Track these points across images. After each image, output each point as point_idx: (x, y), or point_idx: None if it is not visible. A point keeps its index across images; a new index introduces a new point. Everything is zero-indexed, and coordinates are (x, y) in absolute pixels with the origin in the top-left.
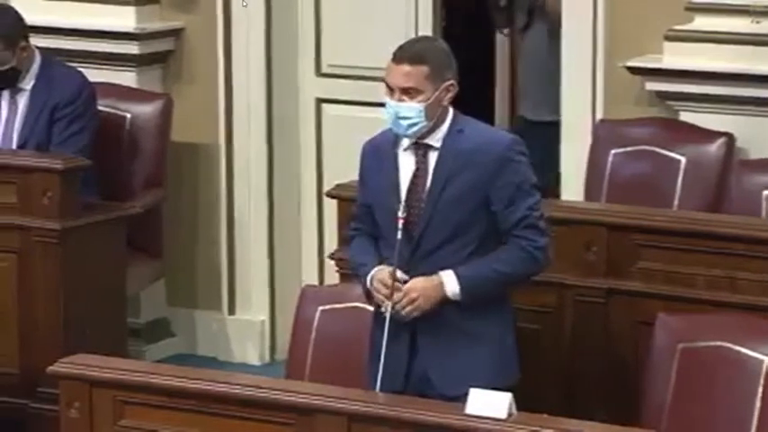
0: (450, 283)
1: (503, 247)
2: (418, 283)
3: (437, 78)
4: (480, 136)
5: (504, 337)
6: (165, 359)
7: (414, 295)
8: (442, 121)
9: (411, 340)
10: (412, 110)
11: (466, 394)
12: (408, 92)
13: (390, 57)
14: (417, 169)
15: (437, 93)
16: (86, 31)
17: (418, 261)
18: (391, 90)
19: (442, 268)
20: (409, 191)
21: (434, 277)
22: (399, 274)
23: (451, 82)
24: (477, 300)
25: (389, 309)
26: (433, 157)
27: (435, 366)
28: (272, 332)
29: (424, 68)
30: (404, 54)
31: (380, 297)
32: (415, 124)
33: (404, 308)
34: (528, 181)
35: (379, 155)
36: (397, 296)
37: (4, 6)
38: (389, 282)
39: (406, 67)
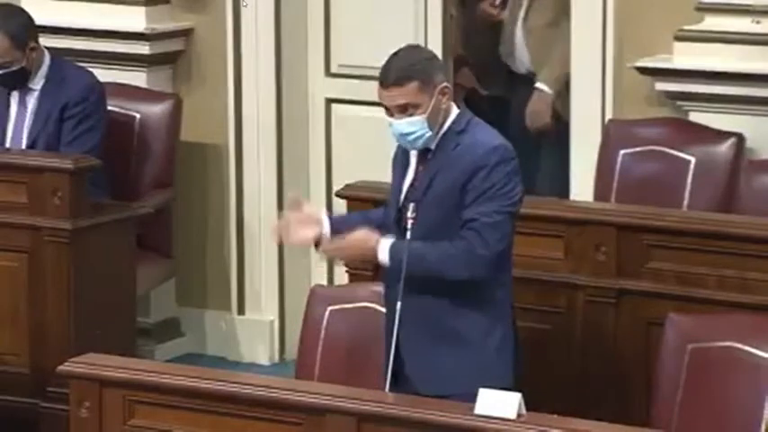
0: (383, 250)
1: (450, 241)
2: (356, 236)
3: (429, 87)
4: (472, 139)
5: (486, 340)
6: (174, 359)
7: (344, 244)
8: (444, 122)
9: (397, 338)
10: (414, 124)
11: (443, 396)
12: (405, 108)
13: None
14: (417, 170)
15: (433, 100)
16: (96, 32)
17: None
18: (389, 110)
19: None
20: (408, 191)
21: (373, 237)
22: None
23: (444, 84)
24: (402, 273)
25: (398, 307)
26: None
27: (413, 363)
28: (281, 332)
29: (413, 84)
30: (388, 77)
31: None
32: (420, 137)
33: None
34: (496, 189)
35: (402, 157)
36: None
37: (15, 7)
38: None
39: (396, 90)
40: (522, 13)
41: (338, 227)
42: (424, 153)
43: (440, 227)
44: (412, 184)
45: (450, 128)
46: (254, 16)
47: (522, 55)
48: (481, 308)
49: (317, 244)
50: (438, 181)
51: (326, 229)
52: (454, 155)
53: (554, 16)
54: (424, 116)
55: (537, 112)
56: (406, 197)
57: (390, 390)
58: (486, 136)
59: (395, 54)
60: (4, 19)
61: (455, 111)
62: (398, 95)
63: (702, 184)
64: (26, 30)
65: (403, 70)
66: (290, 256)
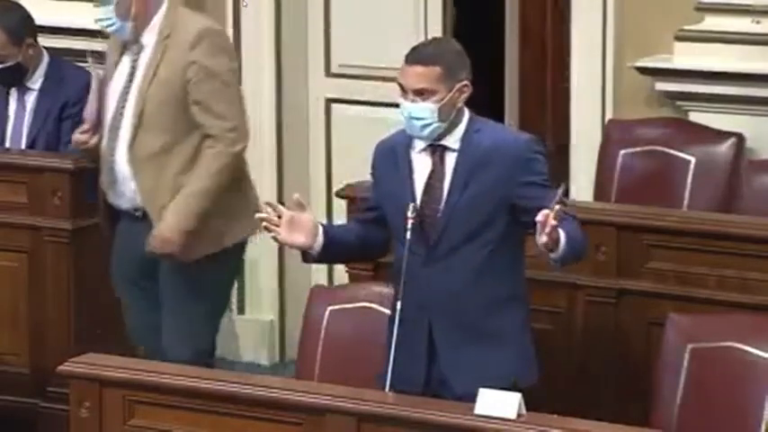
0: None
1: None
2: None
3: (450, 79)
4: (498, 136)
5: (522, 337)
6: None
7: None
8: (459, 121)
9: (429, 343)
10: (425, 110)
11: None
12: (422, 93)
13: (402, 57)
14: (433, 171)
15: (451, 93)
16: (96, 32)
17: (435, 261)
18: (405, 91)
19: (460, 268)
20: (425, 192)
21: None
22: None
23: (465, 83)
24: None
25: (398, 308)
26: (450, 159)
27: (454, 369)
28: (281, 332)
29: (437, 69)
30: (416, 55)
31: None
32: (428, 125)
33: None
34: (546, 177)
35: (393, 156)
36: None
37: (12, 3)
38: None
39: (419, 68)
40: (124, 144)
41: (329, 240)
42: (440, 154)
43: (483, 227)
44: (429, 187)
45: (468, 128)
46: (254, 16)
47: (126, 189)
48: (516, 305)
49: (305, 253)
50: (477, 182)
51: (320, 241)
52: (484, 152)
53: (171, 139)
54: (438, 105)
55: (165, 240)
56: (425, 199)
57: (421, 392)
58: (510, 131)
59: (428, 40)
60: (0, 13)
61: (467, 112)
62: (419, 76)
63: (702, 184)
64: (23, 25)
65: (431, 54)
66: (289, 257)
